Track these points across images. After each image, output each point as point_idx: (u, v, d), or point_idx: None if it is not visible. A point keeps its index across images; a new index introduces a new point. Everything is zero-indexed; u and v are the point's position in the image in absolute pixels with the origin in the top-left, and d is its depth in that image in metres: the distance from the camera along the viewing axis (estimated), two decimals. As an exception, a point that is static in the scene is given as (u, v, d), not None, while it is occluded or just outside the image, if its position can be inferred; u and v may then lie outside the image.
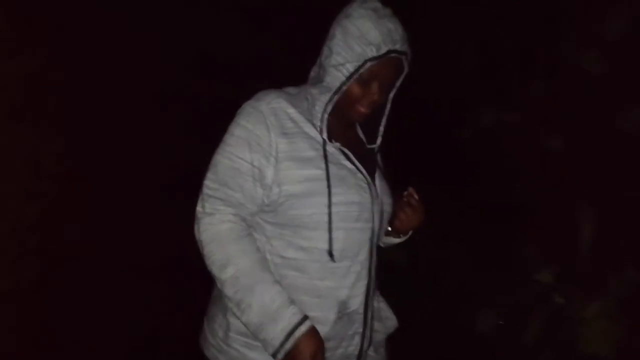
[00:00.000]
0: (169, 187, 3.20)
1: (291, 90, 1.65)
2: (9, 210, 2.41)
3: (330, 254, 1.55)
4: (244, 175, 1.54)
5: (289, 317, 1.49)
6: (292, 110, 1.57)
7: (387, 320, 1.80)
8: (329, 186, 1.53)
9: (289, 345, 1.46)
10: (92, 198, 2.84)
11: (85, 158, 2.83)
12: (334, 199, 1.53)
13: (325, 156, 1.55)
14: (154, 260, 3.12)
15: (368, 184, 1.63)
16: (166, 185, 3.21)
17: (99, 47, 2.81)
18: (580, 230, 2.75)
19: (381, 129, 1.70)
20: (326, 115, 1.54)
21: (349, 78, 1.50)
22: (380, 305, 1.82)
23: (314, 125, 1.57)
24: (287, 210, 1.55)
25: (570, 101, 3.14)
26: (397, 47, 1.49)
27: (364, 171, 1.63)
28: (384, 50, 1.48)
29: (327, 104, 1.53)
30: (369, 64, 1.49)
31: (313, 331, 1.51)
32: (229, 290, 1.52)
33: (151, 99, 3.12)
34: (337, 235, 1.55)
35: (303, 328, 1.50)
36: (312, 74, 1.62)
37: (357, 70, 1.49)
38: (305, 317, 1.51)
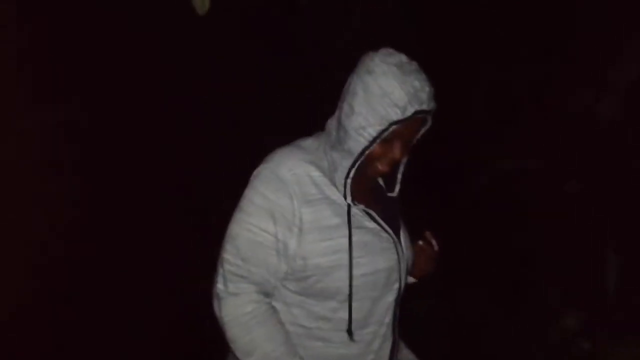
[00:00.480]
0: (170, 187, 3.19)
1: (309, 144, 1.52)
2: (12, 212, 2.42)
3: (350, 332, 1.49)
4: (268, 249, 1.43)
5: None
6: (315, 174, 1.46)
7: None
8: (350, 258, 1.44)
9: None
10: (93, 198, 2.85)
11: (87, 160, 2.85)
12: (360, 270, 1.46)
13: (349, 222, 1.46)
14: (155, 261, 3.09)
15: (394, 242, 1.54)
16: (167, 185, 3.19)
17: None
18: (605, 276, 2.74)
19: (399, 176, 1.59)
20: (349, 181, 1.43)
21: (372, 142, 1.38)
22: (403, 352, 1.76)
23: (336, 187, 1.46)
24: (313, 283, 1.46)
25: (587, 147, 3.18)
26: (424, 107, 1.37)
27: (389, 230, 1.53)
28: (410, 112, 1.35)
29: (349, 170, 1.42)
30: (393, 127, 1.37)
31: None
32: None
33: (149, 96, 3.11)
34: (364, 305, 1.49)
35: None
36: (330, 126, 1.50)
37: (380, 134, 1.37)
38: None
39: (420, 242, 1.70)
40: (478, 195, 3.54)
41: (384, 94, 1.33)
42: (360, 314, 1.50)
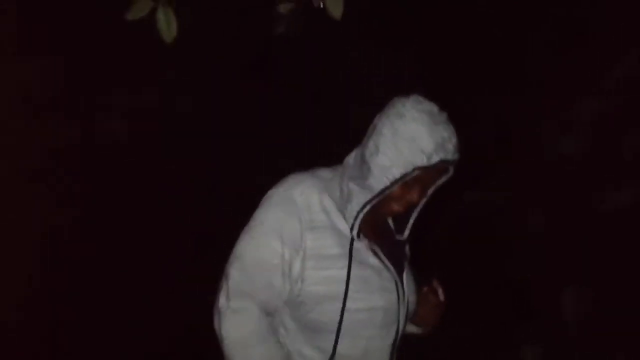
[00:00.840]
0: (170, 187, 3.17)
1: (324, 174, 1.54)
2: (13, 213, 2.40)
3: (351, 358, 1.48)
4: (274, 269, 1.43)
5: None
6: (326, 200, 1.47)
7: None
8: (346, 291, 1.43)
9: None
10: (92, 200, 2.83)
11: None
12: (355, 305, 1.44)
13: (350, 255, 1.45)
14: (155, 258, 3.05)
15: (395, 282, 1.51)
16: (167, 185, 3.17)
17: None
18: (566, 310, 2.76)
19: (411, 221, 1.58)
20: (361, 215, 1.44)
21: (393, 183, 1.40)
22: None
23: (345, 217, 1.47)
24: (305, 312, 1.46)
25: (550, 182, 3.23)
26: (449, 157, 1.40)
27: (392, 269, 1.51)
28: (435, 160, 1.38)
29: (365, 204, 1.43)
30: (416, 172, 1.39)
31: None
32: None
33: (146, 98, 3.12)
34: (358, 343, 1.48)
35: None
36: (351, 161, 1.51)
37: (403, 176, 1.39)
38: None
39: (426, 289, 1.64)
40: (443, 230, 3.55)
41: (412, 139, 1.37)
42: (355, 352, 1.49)
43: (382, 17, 3.79)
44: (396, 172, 1.39)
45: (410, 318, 1.63)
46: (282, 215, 1.44)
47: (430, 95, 1.54)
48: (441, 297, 1.64)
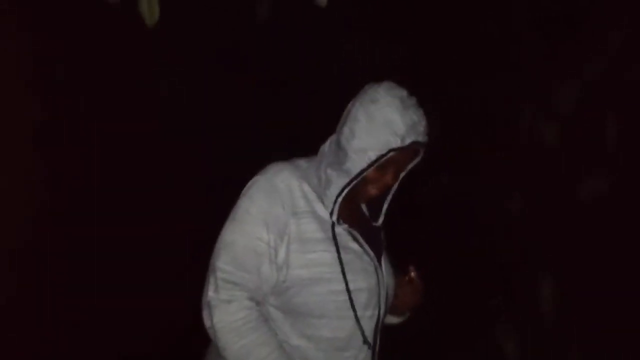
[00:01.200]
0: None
1: (301, 163, 1.61)
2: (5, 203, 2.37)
3: (337, 342, 1.52)
4: (261, 256, 1.48)
5: None
6: (306, 187, 1.54)
7: None
8: (343, 272, 1.50)
9: None
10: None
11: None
12: (340, 286, 1.51)
13: (335, 238, 1.52)
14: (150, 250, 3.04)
15: (375, 267, 1.59)
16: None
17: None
18: (542, 301, 2.78)
19: (385, 207, 1.68)
20: (340, 199, 1.51)
21: (370, 165, 1.49)
22: None
23: (324, 204, 1.53)
24: (291, 297, 1.51)
25: (530, 169, 3.24)
26: (420, 139, 1.51)
27: (371, 253, 1.59)
28: (407, 141, 1.48)
29: (344, 188, 1.50)
30: (391, 154, 1.49)
31: None
32: None
33: (145, 94, 3.10)
34: (346, 324, 1.53)
35: None
36: (327, 149, 1.59)
37: (379, 158, 1.48)
38: None
39: (403, 275, 1.71)
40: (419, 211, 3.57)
41: (386, 122, 1.46)
42: (342, 334, 1.53)
43: (371, 6, 3.76)
44: (372, 155, 1.47)
45: (390, 306, 1.69)
46: (265, 203, 1.49)
47: (414, 83, 1.58)
48: (418, 282, 1.72)
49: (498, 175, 3.47)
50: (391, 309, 1.74)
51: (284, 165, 1.57)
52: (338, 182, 1.50)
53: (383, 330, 1.69)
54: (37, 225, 2.56)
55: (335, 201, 1.51)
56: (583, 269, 2.88)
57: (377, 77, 1.60)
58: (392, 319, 1.81)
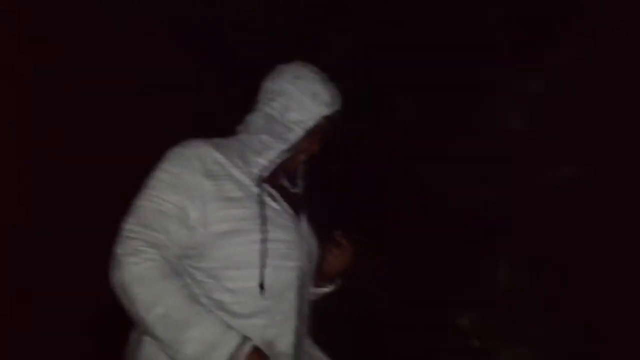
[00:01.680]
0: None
1: (216, 139, 1.68)
2: None
3: (261, 286, 1.55)
4: (168, 217, 1.52)
5: (230, 340, 1.47)
6: (218, 155, 1.61)
7: None
8: (263, 223, 1.56)
9: None
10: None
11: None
12: (260, 236, 1.56)
13: (256, 196, 1.60)
14: None
15: (295, 224, 1.67)
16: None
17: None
18: (498, 277, 2.83)
19: (300, 175, 1.79)
20: (278, 160, 1.62)
21: (308, 132, 1.61)
22: (314, 353, 1.79)
23: (241, 169, 1.62)
24: (213, 251, 1.54)
25: (499, 156, 3.30)
26: (338, 107, 1.65)
27: (290, 211, 1.68)
28: (332, 110, 1.63)
29: (281, 152, 1.62)
30: (321, 122, 1.62)
31: (258, 350, 1.51)
32: (159, 331, 1.46)
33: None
34: (266, 272, 1.56)
35: (246, 348, 1.49)
36: (253, 126, 1.66)
37: (315, 126, 1.61)
38: (247, 338, 1.50)
39: (332, 240, 1.79)
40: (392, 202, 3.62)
41: (315, 94, 1.61)
42: (266, 281, 1.56)
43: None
44: (309, 124, 1.61)
45: (319, 268, 1.78)
46: (174, 168, 1.57)
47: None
48: (347, 245, 1.80)
49: (472, 162, 3.51)
50: (322, 276, 1.82)
51: (194, 139, 1.65)
52: (277, 147, 1.61)
53: (317, 303, 1.77)
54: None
55: (271, 163, 1.61)
56: (548, 252, 2.93)
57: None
58: (324, 289, 1.87)
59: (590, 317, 2.64)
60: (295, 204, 1.74)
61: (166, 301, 1.46)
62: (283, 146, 1.61)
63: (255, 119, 1.66)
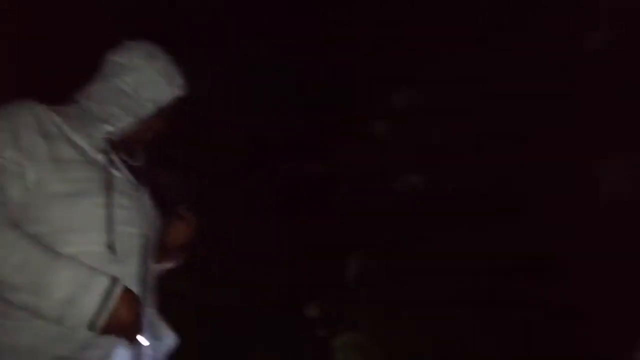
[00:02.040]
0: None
1: (58, 107, 1.63)
2: None
3: (110, 247, 1.52)
4: (5, 174, 1.47)
5: (101, 281, 1.45)
6: (57, 118, 1.57)
7: (165, 337, 1.78)
8: (108, 188, 1.55)
9: (110, 304, 1.45)
10: None
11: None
12: (99, 200, 1.53)
13: (99, 161, 1.57)
14: None
15: (137, 194, 1.64)
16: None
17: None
18: (347, 270, 3.07)
19: (140, 150, 1.77)
20: (122, 133, 1.61)
21: (160, 110, 1.64)
22: (156, 322, 1.77)
23: (81, 134, 1.58)
24: (50, 212, 1.48)
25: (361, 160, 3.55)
26: (188, 91, 1.70)
27: (132, 180, 1.65)
28: (182, 92, 1.68)
29: (128, 125, 1.62)
30: (174, 101, 1.66)
31: (129, 291, 1.51)
32: (19, 280, 1.41)
33: None
34: (107, 237, 1.53)
35: (118, 289, 1.47)
36: (100, 95, 1.64)
37: (167, 105, 1.65)
38: (116, 278, 1.48)
39: (176, 219, 1.80)
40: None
41: (169, 75, 1.65)
42: (100, 249, 1.52)
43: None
44: (163, 102, 1.65)
45: (162, 242, 1.76)
46: (9, 125, 1.51)
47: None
48: (189, 219, 1.82)
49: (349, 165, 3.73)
50: (164, 251, 1.80)
51: (29, 101, 1.59)
52: (126, 117, 1.62)
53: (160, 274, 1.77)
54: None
55: (118, 131, 1.61)
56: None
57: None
58: (167, 263, 1.86)
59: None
60: (137, 176, 1.71)
61: (20, 249, 1.43)
62: (131, 119, 1.62)
63: (101, 90, 1.65)
